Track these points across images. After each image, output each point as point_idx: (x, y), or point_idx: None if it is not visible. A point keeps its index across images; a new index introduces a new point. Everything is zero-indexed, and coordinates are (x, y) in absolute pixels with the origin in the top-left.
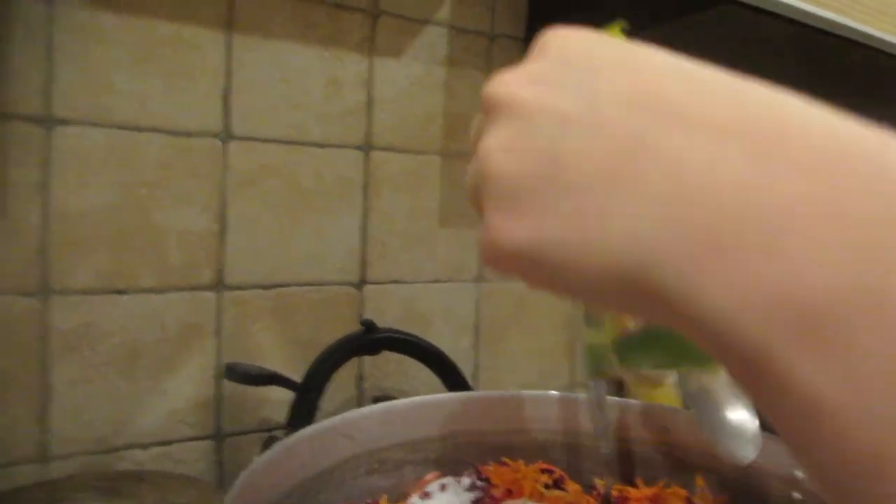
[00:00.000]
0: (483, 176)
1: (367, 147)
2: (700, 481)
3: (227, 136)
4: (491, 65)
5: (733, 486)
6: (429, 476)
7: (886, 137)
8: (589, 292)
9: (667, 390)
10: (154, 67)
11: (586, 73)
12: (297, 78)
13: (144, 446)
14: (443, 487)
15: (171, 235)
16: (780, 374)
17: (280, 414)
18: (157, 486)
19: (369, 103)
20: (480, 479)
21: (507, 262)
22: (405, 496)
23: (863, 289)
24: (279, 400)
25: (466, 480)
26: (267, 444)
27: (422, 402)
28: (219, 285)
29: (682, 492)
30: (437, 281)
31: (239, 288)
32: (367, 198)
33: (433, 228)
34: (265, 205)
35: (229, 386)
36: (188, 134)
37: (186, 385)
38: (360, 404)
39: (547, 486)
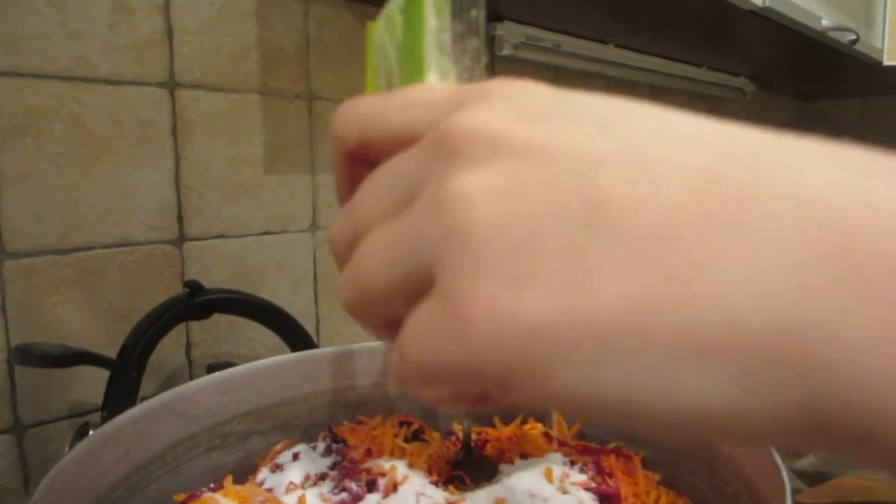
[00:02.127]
0: (446, 232)
1: (171, 84)
2: (555, 413)
3: None
4: None
5: None
6: (278, 446)
7: None
8: (688, 393)
9: None
10: None
11: (595, 112)
12: (70, 0)
13: None
14: (295, 456)
15: None
16: None
17: (96, 395)
18: None
19: (169, 33)
20: (336, 442)
21: (515, 357)
22: (254, 470)
23: None
24: (94, 379)
25: (321, 445)
26: (80, 433)
27: (264, 365)
28: None
29: (540, 426)
30: (267, 233)
31: (25, 255)
32: (178, 144)
33: (258, 176)
34: (46, 154)
35: (25, 370)
36: None
37: None
38: (192, 376)
39: (406, 440)
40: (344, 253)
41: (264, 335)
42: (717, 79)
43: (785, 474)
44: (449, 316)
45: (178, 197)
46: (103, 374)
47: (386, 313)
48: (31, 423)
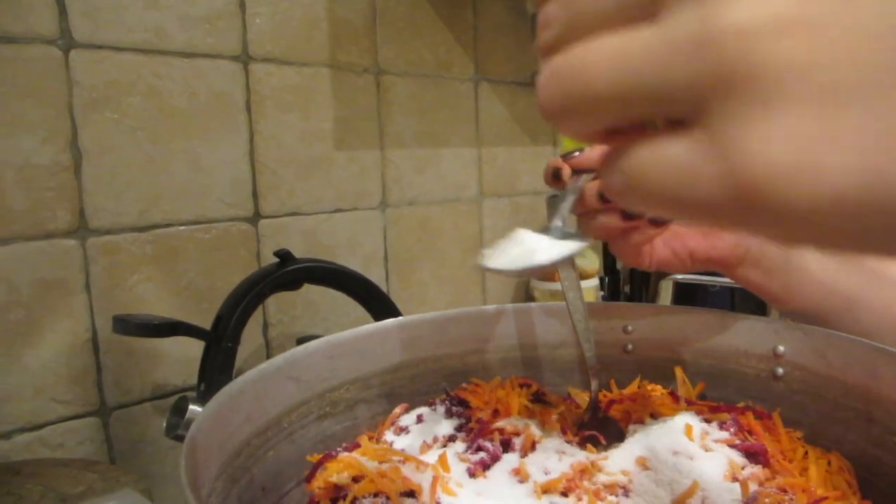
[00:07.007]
0: (718, 72)
1: (244, 58)
2: (679, 371)
3: (67, 42)
4: None
5: (709, 372)
6: (397, 409)
7: None
8: None
9: None
10: None
11: None
12: None
13: (6, 435)
14: (419, 419)
15: (7, 172)
16: None
17: (178, 377)
18: (39, 476)
19: (241, 5)
20: (456, 405)
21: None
22: (373, 438)
23: None
24: (176, 360)
25: (440, 408)
26: (179, 408)
27: (369, 331)
28: (81, 230)
29: (659, 387)
30: (338, 210)
31: (108, 232)
32: (251, 119)
33: (328, 152)
34: (125, 128)
35: (109, 352)
36: (14, 40)
37: (53, 355)
38: (269, 356)
39: (529, 401)
40: (551, 41)
41: (339, 315)
42: None
43: None
44: (717, 160)
45: (253, 173)
46: (187, 355)
47: (591, 118)
48: (115, 405)
